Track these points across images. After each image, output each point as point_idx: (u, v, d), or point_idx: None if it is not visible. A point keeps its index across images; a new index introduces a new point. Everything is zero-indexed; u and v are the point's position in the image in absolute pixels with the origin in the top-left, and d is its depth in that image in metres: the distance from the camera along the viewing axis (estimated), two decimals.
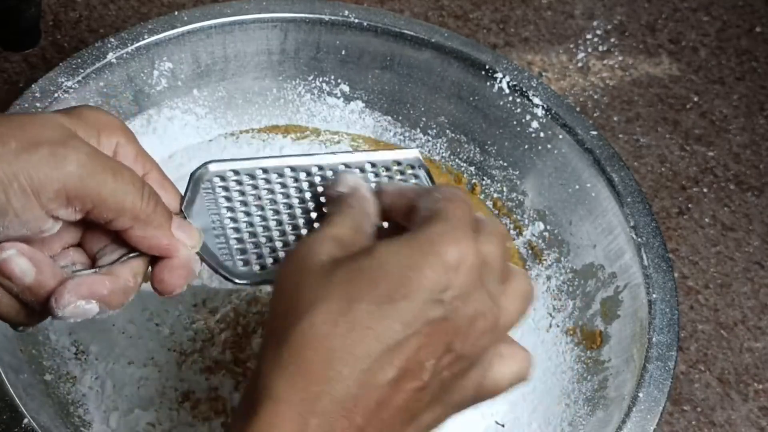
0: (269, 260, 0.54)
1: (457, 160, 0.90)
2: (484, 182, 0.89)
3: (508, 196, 0.88)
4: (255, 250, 0.54)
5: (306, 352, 0.41)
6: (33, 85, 0.76)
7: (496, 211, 0.88)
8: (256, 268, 0.53)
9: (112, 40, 0.80)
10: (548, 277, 0.83)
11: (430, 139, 0.90)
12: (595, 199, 0.82)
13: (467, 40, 0.88)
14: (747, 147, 1.03)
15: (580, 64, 1.07)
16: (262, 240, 0.54)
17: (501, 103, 0.87)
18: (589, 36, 1.11)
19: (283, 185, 0.56)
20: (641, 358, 0.70)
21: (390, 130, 0.91)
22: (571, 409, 0.74)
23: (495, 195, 0.88)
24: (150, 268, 0.51)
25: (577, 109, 0.87)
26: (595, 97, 1.05)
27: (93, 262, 0.51)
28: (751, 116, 1.06)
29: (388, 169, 0.59)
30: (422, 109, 0.90)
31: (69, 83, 0.77)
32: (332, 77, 0.89)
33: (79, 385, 0.70)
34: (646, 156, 1.00)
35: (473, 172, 0.89)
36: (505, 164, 0.88)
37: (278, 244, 0.55)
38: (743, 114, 1.06)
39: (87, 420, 0.69)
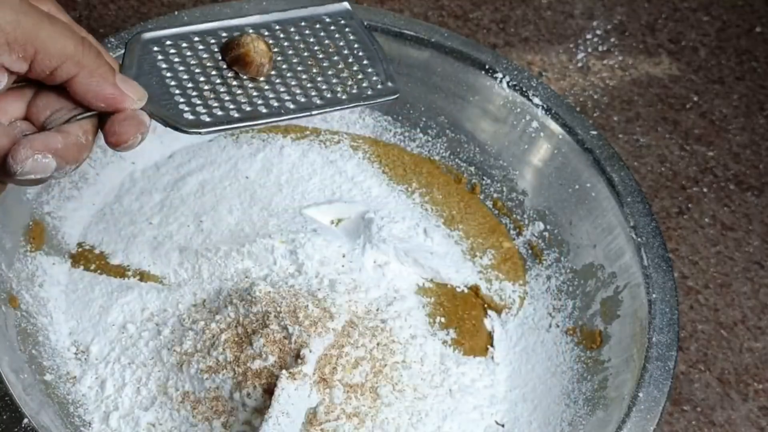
0: (216, 110, 0.55)
1: (457, 160, 0.90)
2: (484, 182, 0.89)
3: (508, 196, 0.88)
4: (200, 102, 0.55)
5: None
6: None
7: (496, 211, 0.88)
8: (205, 117, 0.55)
9: (112, 40, 0.80)
10: (548, 277, 0.83)
11: (430, 139, 0.90)
12: (595, 199, 0.82)
13: (467, 40, 0.88)
14: (747, 147, 1.03)
15: (579, 64, 1.07)
16: (206, 93, 0.56)
17: (501, 102, 0.87)
18: (588, 36, 1.11)
19: (218, 45, 0.58)
20: (641, 358, 0.70)
21: (390, 130, 0.91)
22: (571, 409, 0.74)
23: (495, 195, 0.88)
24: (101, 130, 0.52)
25: (577, 109, 0.87)
26: (595, 97, 1.05)
27: (40, 131, 0.51)
28: (751, 116, 1.06)
29: (321, 23, 0.61)
30: (422, 108, 0.90)
31: None
32: None
33: (79, 385, 0.70)
34: (646, 156, 1.00)
35: (473, 172, 0.89)
36: (505, 164, 0.88)
37: (223, 96, 0.56)
38: (743, 114, 1.06)
39: (87, 420, 0.69)
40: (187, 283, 0.76)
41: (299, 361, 0.67)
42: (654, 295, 0.73)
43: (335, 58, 0.61)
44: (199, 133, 0.55)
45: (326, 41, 0.61)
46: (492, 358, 0.78)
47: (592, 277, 0.80)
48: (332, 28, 0.62)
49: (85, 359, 0.72)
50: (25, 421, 0.60)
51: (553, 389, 0.76)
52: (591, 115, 1.03)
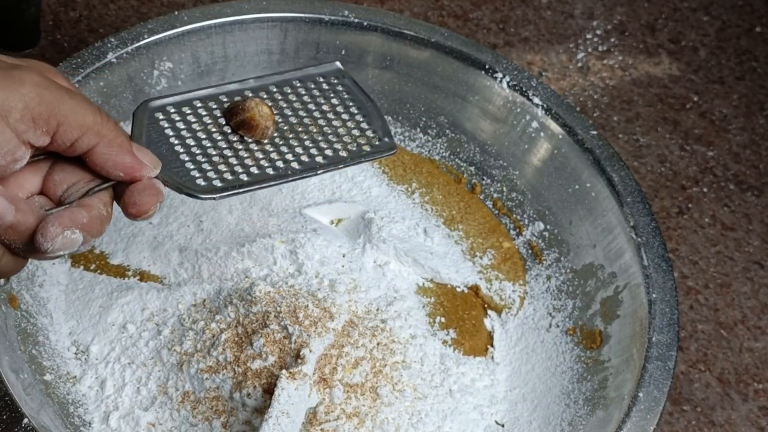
0: (227, 174, 0.57)
1: (457, 160, 0.90)
2: (484, 182, 0.89)
3: (508, 196, 0.88)
4: (211, 168, 0.57)
5: None
6: None
7: (496, 211, 0.88)
8: (217, 182, 0.57)
9: (112, 39, 0.80)
10: (548, 277, 0.83)
11: (430, 138, 0.90)
12: (595, 198, 0.82)
13: (467, 39, 0.88)
14: (747, 147, 1.03)
15: (579, 64, 1.07)
16: (215, 159, 0.57)
17: (501, 102, 0.87)
18: (588, 36, 1.11)
19: (221, 110, 0.60)
20: (641, 357, 0.70)
21: (390, 130, 0.91)
22: (571, 409, 0.74)
23: (495, 195, 0.88)
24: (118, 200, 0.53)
25: (577, 108, 0.87)
26: (595, 96, 1.05)
27: (58, 205, 0.52)
28: (751, 116, 1.06)
29: (316, 83, 0.64)
30: (422, 108, 0.90)
31: None
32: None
33: (79, 385, 0.70)
34: (646, 156, 1.00)
35: (473, 172, 0.89)
36: (505, 164, 0.88)
37: (232, 160, 0.58)
38: (743, 114, 1.06)
39: (87, 420, 0.69)
40: (187, 283, 0.76)
41: (299, 361, 0.67)
42: (654, 295, 0.73)
43: (332, 117, 0.63)
44: (213, 198, 0.56)
45: (322, 101, 0.64)
46: (492, 358, 0.78)
47: (592, 277, 0.80)
48: (326, 87, 0.64)
49: (85, 359, 0.72)
50: (25, 421, 0.60)
51: (553, 389, 0.76)
52: (591, 115, 1.03)
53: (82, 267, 0.77)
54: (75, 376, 0.71)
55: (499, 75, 0.86)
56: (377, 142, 0.63)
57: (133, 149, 0.53)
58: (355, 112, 0.64)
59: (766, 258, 0.93)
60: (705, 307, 0.89)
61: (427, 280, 0.81)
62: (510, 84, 0.86)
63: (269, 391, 0.66)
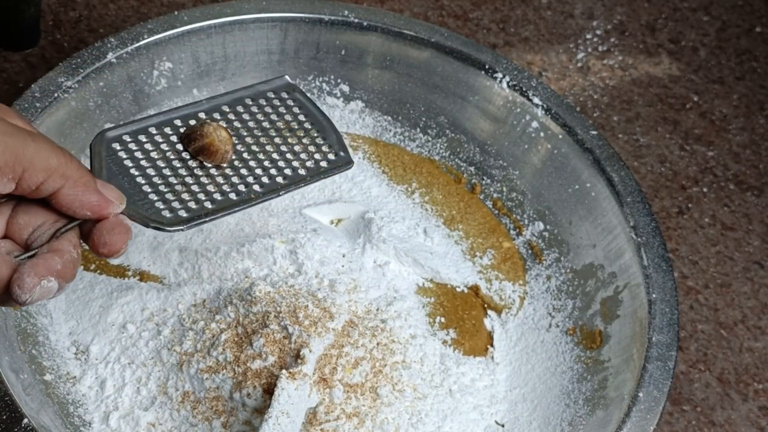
0: (191, 204, 0.57)
1: (457, 160, 0.90)
2: (484, 182, 0.89)
3: (508, 196, 0.88)
4: (174, 198, 0.57)
5: None
6: (33, 85, 0.76)
7: (496, 211, 0.88)
8: (182, 213, 0.56)
9: (112, 39, 0.80)
10: (548, 277, 0.83)
11: (430, 139, 0.90)
12: (595, 199, 0.82)
13: (467, 39, 0.88)
14: (747, 147, 1.03)
15: (579, 64, 1.07)
16: (178, 188, 0.57)
17: (501, 102, 0.87)
18: (588, 36, 1.11)
19: (177, 135, 0.59)
20: (641, 357, 0.70)
21: (390, 130, 0.91)
22: (571, 409, 0.74)
23: (495, 195, 0.88)
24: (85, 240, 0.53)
25: (577, 108, 0.87)
26: (595, 96, 1.05)
27: (26, 250, 0.51)
28: (750, 116, 1.06)
29: (267, 99, 0.63)
30: (422, 108, 0.90)
31: (69, 83, 0.77)
32: (332, 77, 0.89)
33: (79, 385, 0.70)
34: (646, 156, 1.00)
35: (473, 172, 0.89)
36: (505, 164, 0.88)
37: (194, 188, 0.57)
38: (743, 114, 1.06)
39: (87, 420, 0.69)
40: (187, 283, 0.76)
41: (299, 361, 0.67)
42: (654, 295, 0.73)
43: (287, 134, 0.63)
44: (181, 229, 0.56)
45: (275, 117, 0.63)
46: (492, 358, 0.78)
47: (592, 277, 0.80)
48: (278, 103, 0.64)
49: (85, 359, 0.72)
50: (25, 421, 0.60)
51: (553, 389, 0.76)
52: (591, 115, 1.03)
53: (81, 267, 0.77)
54: (75, 376, 0.71)
55: (499, 75, 0.86)
56: (333, 157, 0.63)
57: (99, 187, 0.52)
58: (309, 127, 0.64)
59: (766, 258, 0.93)
60: (705, 307, 0.89)
61: (427, 280, 0.81)
62: (510, 84, 0.86)
63: (269, 391, 0.66)
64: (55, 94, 0.76)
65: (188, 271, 0.77)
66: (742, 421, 0.82)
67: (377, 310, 0.75)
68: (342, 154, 0.63)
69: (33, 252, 0.50)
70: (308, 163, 0.62)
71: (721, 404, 0.82)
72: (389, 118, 0.91)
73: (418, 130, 0.91)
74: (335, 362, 0.69)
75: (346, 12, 0.87)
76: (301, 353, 0.67)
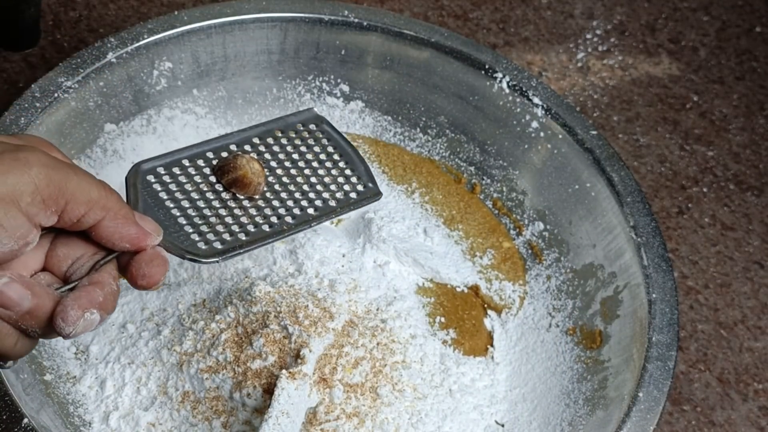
0: (225, 235, 0.57)
1: (457, 160, 0.90)
2: (484, 182, 0.89)
3: (507, 195, 0.88)
4: (209, 230, 0.57)
5: None
6: (33, 85, 0.76)
7: (496, 211, 0.88)
8: (217, 245, 0.57)
9: (112, 39, 0.80)
10: (548, 277, 0.83)
11: (430, 139, 0.90)
12: (595, 198, 0.82)
13: (467, 39, 0.88)
14: (747, 147, 1.03)
15: (579, 64, 1.07)
16: (212, 219, 0.58)
17: (501, 102, 0.87)
18: (588, 36, 1.11)
19: (210, 167, 0.60)
20: (641, 357, 0.70)
21: (390, 130, 0.91)
22: (571, 409, 0.74)
23: (495, 195, 0.88)
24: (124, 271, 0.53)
25: (577, 108, 0.87)
26: (595, 96, 1.05)
27: (65, 282, 0.51)
28: (750, 116, 1.06)
29: (296, 131, 0.65)
30: (422, 109, 0.90)
31: (69, 83, 0.77)
32: (332, 77, 0.89)
33: (79, 385, 0.70)
34: (645, 156, 1.00)
35: (473, 172, 0.89)
36: (505, 164, 0.88)
37: (228, 219, 0.58)
38: (743, 114, 1.06)
39: (87, 420, 0.69)
40: (187, 282, 0.76)
41: (299, 361, 0.67)
42: (654, 295, 0.73)
43: (317, 165, 0.64)
44: (216, 261, 0.57)
45: (305, 149, 0.65)
46: (492, 357, 0.78)
47: (592, 277, 0.80)
48: (306, 135, 0.65)
49: (85, 359, 0.72)
50: (25, 421, 0.60)
51: (553, 389, 0.76)
52: (591, 115, 1.03)
53: None
54: (75, 376, 0.71)
55: (499, 75, 0.86)
56: (362, 188, 0.64)
57: (138, 219, 0.52)
58: (338, 159, 0.65)
59: (766, 258, 0.93)
60: (705, 307, 0.89)
61: (427, 280, 0.81)
62: (510, 84, 0.86)
63: (269, 391, 0.66)
64: (55, 94, 0.76)
65: (188, 270, 0.77)
66: (742, 421, 0.82)
67: (377, 310, 0.75)
68: (370, 185, 0.64)
69: (73, 284, 0.50)
70: (338, 195, 0.63)
71: (721, 404, 0.82)
72: (389, 118, 0.91)
73: (418, 130, 0.91)
74: (335, 362, 0.69)
75: (346, 12, 0.87)
76: (301, 353, 0.67)
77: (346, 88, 0.90)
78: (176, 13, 0.83)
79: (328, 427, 0.67)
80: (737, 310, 0.89)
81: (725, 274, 0.91)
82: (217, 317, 0.72)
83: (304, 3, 0.87)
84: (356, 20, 0.87)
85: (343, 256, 0.79)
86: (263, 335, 0.68)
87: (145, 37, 0.81)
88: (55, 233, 0.52)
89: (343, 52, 0.88)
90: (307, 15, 0.86)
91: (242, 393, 0.67)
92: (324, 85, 0.90)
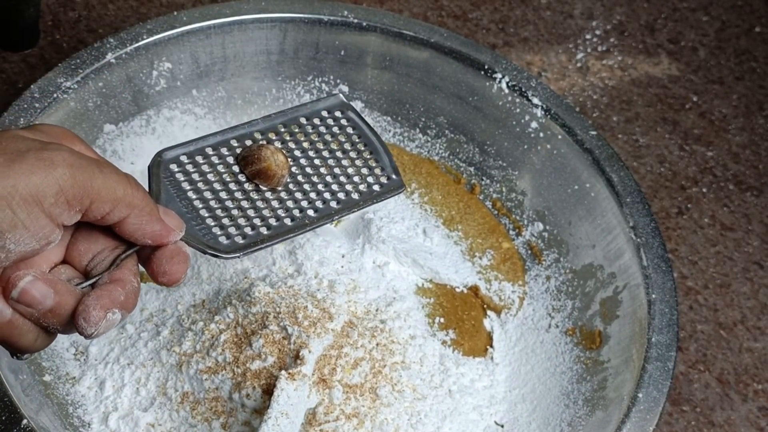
0: (247, 229, 0.56)
1: (456, 160, 0.90)
2: (483, 182, 0.89)
3: (507, 196, 0.88)
4: (231, 223, 0.56)
5: None
6: (32, 86, 0.76)
7: (496, 212, 0.88)
8: (239, 239, 0.56)
9: (111, 40, 0.80)
10: (548, 278, 0.83)
11: (430, 139, 0.90)
12: (595, 199, 0.82)
13: (466, 40, 0.88)
14: (746, 147, 1.03)
15: (579, 64, 1.07)
16: (234, 212, 0.57)
17: (500, 103, 0.87)
18: (588, 36, 1.11)
19: (234, 156, 0.59)
20: (640, 358, 0.70)
21: (389, 130, 0.91)
22: (571, 410, 0.74)
23: (494, 195, 0.88)
24: (145, 266, 0.52)
25: (577, 109, 0.87)
26: (595, 97, 1.05)
27: (85, 276, 0.51)
28: (750, 116, 1.06)
29: (321, 119, 0.63)
30: (422, 109, 0.90)
31: (68, 84, 0.77)
32: (331, 77, 0.89)
33: (79, 386, 0.70)
34: (645, 156, 1.00)
35: (473, 172, 0.89)
36: (505, 164, 0.88)
37: (250, 212, 0.57)
38: (742, 114, 1.06)
39: (86, 421, 0.69)
40: (186, 283, 0.76)
41: (298, 361, 0.67)
42: (653, 296, 0.73)
43: (341, 155, 0.63)
44: (238, 257, 0.56)
45: (329, 138, 0.63)
46: (491, 358, 0.78)
47: (592, 278, 0.80)
48: (332, 122, 0.64)
49: (84, 360, 0.72)
50: (24, 421, 0.60)
51: (553, 390, 0.76)
52: (591, 115, 1.02)
53: None
54: (74, 377, 0.71)
55: (499, 75, 0.86)
56: (386, 181, 0.63)
57: (161, 214, 0.52)
58: (362, 148, 0.63)
59: (765, 258, 0.93)
60: (705, 308, 0.89)
61: (427, 280, 0.81)
62: (509, 84, 0.86)
63: (268, 391, 0.66)
64: (55, 95, 0.76)
65: (187, 271, 0.77)
66: (742, 421, 0.82)
67: (377, 310, 0.75)
68: (394, 177, 0.63)
69: (94, 280, 0.50)
70: (361, 187, 0.61)
71: (720, 405, 0.82)
72: (389, 118, 0.91)
73: (418, 130, 0.91)
74: (335, 363, 0.69)
75: (346, 12, 0.87)
76: (300, 354, 0.67)
77: (345, 88, 0.90)
78: (175, 13, 0.83)
79: (328, 428, 0.67)
80: (737, 311, 0.89)
81: (725, 275, 0.91)
82: (217, 318, 0.71)
83: (304, 3, 0.87)
84: (355, 20, 0.86)
85: (343, 256, 0.79)
86: (262, 336, 0.68)
87: (145, 37, 0.81)
88: (76, 226, 0.51)
89: (342, 53, 0.88)
90: (306, 15, 0.86)
91: (241, 394, 0.67)
92: (323, 85, 0.90)
